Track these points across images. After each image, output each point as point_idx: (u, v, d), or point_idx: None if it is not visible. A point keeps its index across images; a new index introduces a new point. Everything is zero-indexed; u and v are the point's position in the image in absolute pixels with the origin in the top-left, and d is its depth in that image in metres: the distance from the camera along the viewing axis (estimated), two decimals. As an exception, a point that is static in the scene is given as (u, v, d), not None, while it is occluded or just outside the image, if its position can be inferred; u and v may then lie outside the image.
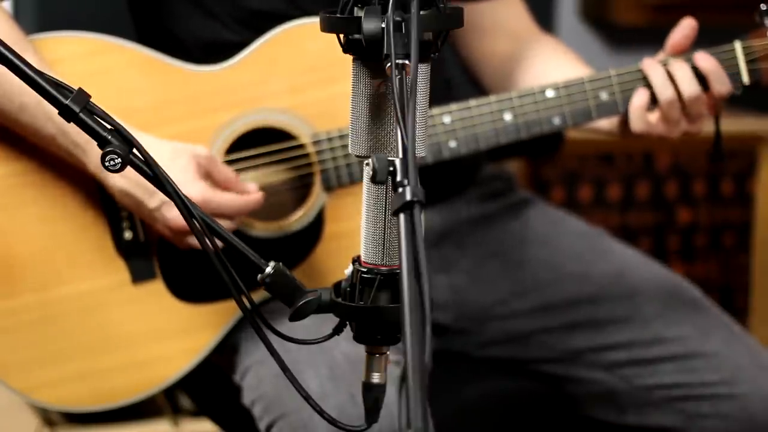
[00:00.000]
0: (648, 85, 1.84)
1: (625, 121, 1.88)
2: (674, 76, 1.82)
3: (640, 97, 1.84)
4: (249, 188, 1.79)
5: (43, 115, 1.74)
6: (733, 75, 1.84)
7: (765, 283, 3.40)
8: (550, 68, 2.00)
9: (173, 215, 1.73)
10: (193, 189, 1.73)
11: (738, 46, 1.85)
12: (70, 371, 1.84)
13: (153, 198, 1.73)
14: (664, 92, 1.81)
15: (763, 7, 1.83)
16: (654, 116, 1.84)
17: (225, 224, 1.75)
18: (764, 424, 1.93)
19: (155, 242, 1.84)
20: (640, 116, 1.84)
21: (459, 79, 2.16)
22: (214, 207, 1.74)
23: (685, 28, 1.85)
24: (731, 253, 3.39)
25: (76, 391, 1.86)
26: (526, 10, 2.13)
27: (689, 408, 1.96)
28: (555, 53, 2.06)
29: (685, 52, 1.85)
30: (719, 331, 1.98)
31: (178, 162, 1.74)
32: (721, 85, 1.82)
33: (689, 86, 1.81)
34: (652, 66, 1.84)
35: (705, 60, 1.83)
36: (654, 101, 1.84)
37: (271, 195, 1.86)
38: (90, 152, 1.74)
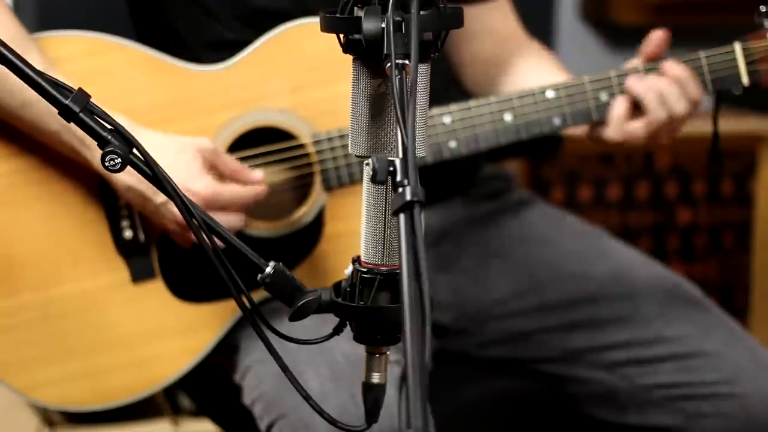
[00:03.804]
0: (622, 92, 1.85)
1: (594, 126, 1.89)
2: (665, 98, 1.83)
3: (620, 107, 1.85)
4: (255, 175, 1.79)
5: (47, 111, 1.74)
6: (733, 76, 1.85)
7: (765, 283, 3.40)
8: (532, 76, 2.00)
9: None
10: (201, 184, 1.73)
11: (738, 47, 1.85)
12: (70, 370, 1.84)
13: (159, 193, 1.73)
14: (658, 113, 1.83)
15: (762, 8, 1.83)
16: (634, 126, 1.85)
17: (235, 218, 1.76)
18: (764, 423, 1.93)
19: (155, 241, 1.84)
20: (619, 127, 1.85)
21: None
22: (224, 201, 1.74)
23: (655, 40, 1.86)
24: (731, 253, 3.39)
25: (76, 390, 1.86)
26: (513, 13, 2.13)
27: (689, 407, 1.96)
28: (539, 62, 2.06)
29: (659, 59, 1.86)
30: (719, 330, 1.98)
31: (183, 157, 1.74)
32: (693, 90, 1.83)
33: (679, 106, 1.83)
34: (640, 86, 1.84)
35: (676, 68, 1.84)
36: (634, 110, 1.85)
37: (271, 195, 1.86)
38: (95, 148, 1.74)
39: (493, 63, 2.08)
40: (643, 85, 1.85)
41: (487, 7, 2.09)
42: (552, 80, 1.92)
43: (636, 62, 1.89)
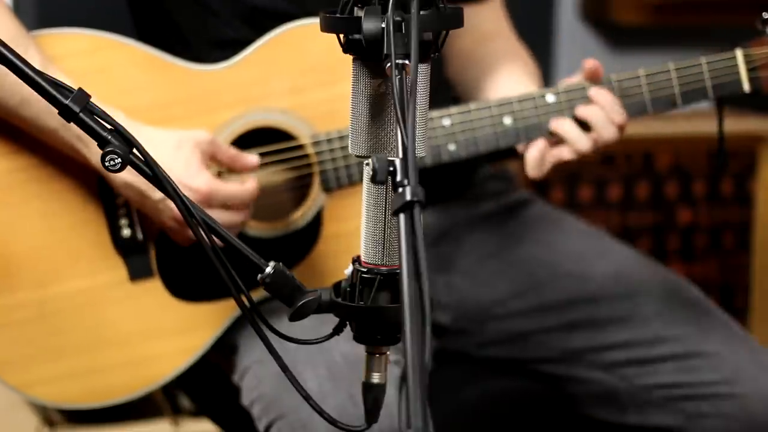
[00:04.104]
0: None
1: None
2: (593, 124, 1.83)
3: (536, 149, 1.85)
4: (251, 159, 1.79)
5: (46, 109, 1.74)
6: (734, 83, 1.84)
7: (765, 283, 3.40)
8: (508, 86, 1.99)
9: None
10: (199, 180, 1.74)
11: (739, 53, 1.84)
12: (67, 368, 1.84)
13: (157, 190, 1.73)
14: (582, 145, 1.83)
15: (765, 15, 1.82)
16: (551, 156, 1.85)
17: (236, 216, 1.76)
18: (764, 423, 1.93)
19: (153, 240, 1.84)
20: (538, 166, 1.86)
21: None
22: (222, 198, 1.75)
23: (589, 70, 1.86)
24: (731, 253, 3.39)
25: (73, 388, 1.86)
26: (505, 13, 2.12)
27: (689, 407, 1.96)
28: (519, 72, 2.05)
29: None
30: (719, 330, 1.98)
31: (181, 153, 1.74)
32: (618, 116, 1.83)
33: (608, 132, 1.83)
34: (561, 123, 1.84)
35: (600, 95, 1.84)
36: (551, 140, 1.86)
37: (271, 195, 1.86)
38: (93, 146, 1.74)
39: (476, 61, 2.08)
40: (559, 122, 1.85)
41: (480, 6, 2.08)
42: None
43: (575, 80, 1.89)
